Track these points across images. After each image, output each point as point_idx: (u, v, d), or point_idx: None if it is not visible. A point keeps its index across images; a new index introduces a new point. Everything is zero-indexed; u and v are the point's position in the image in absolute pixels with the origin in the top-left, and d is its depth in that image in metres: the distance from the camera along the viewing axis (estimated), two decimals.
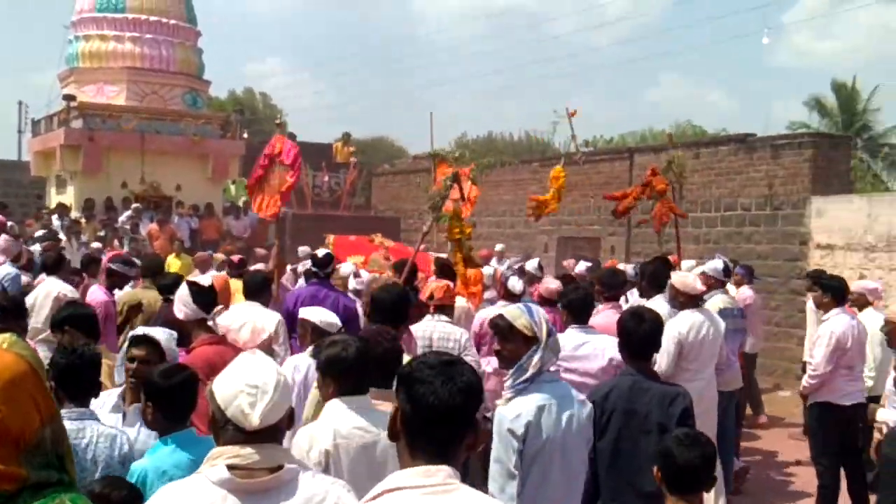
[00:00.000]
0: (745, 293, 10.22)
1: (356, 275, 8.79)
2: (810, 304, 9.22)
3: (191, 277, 7.10)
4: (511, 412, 3.45)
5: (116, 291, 7.84)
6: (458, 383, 2.07)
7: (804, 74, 58.04)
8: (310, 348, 5.14)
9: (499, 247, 15.78)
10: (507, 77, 75.59)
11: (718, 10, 62.39)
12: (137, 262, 8.57)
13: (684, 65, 75.83)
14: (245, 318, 6.11)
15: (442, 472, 2.05)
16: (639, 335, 4.13)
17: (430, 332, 5.84)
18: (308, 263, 8.71)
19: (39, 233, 11.94)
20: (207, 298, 4.96)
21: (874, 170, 27.76)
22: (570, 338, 5.15)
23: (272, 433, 2.34)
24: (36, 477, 1.75)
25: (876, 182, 26.02)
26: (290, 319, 6.45)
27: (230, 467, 2.27)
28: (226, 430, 2.32)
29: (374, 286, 7.02)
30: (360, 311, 7.41)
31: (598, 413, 4.05)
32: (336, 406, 3.52)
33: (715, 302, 7.35)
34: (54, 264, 8.17)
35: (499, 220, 20.44)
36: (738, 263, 11.31)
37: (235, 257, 10.54)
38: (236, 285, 8.14)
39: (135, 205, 16.75)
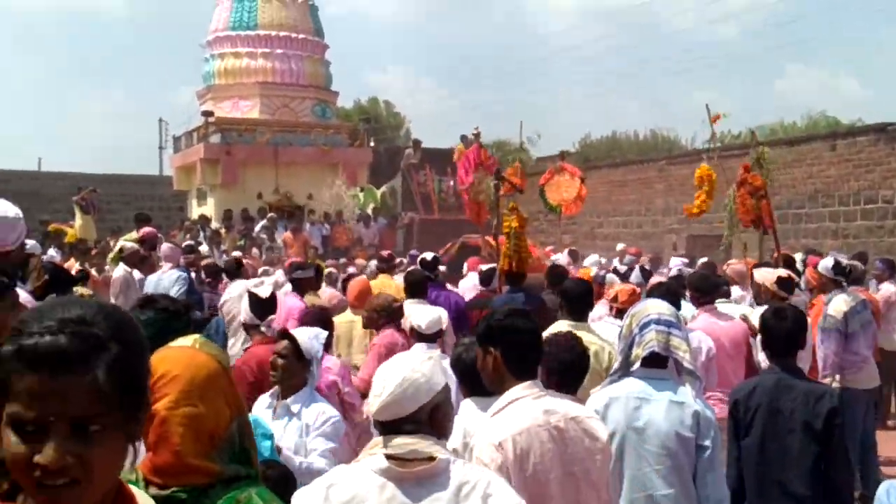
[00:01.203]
0: (888, 289, 9.79)
1: None
2: None
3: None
4: (589, 402, 3.50)
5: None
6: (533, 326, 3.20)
7: None
8: (417, 345, 5.33)
9: (620, 246, 15.60)
10: (629, 76, 74.53)
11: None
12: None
13: (813, 54, 72.93)
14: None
15: (536, 386, 3.09)
16: (781, 332, 4.09)
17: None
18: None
19: (185, 244, 12.57)
20: (262, 308, 5.50)
21: None
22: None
23: (414, 425, 2.44)
24: (228, 471, 1.89)
25: None
26: None
27: (388, 457, 2.39)
28: (378, 423, 2.48)
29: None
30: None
31: (741, 411, 4.02)
32: (466, 406, 3.68)
33: (836, 304, 7.00)
34: (236, 269, 9.23)
35: (625, 219, 20.21)
36: (877, 259, 10.87)
37: (385, 252, 11.01)
38: (387, 281, 8.86)
39: (270, 214, 17.40)
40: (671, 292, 5.46)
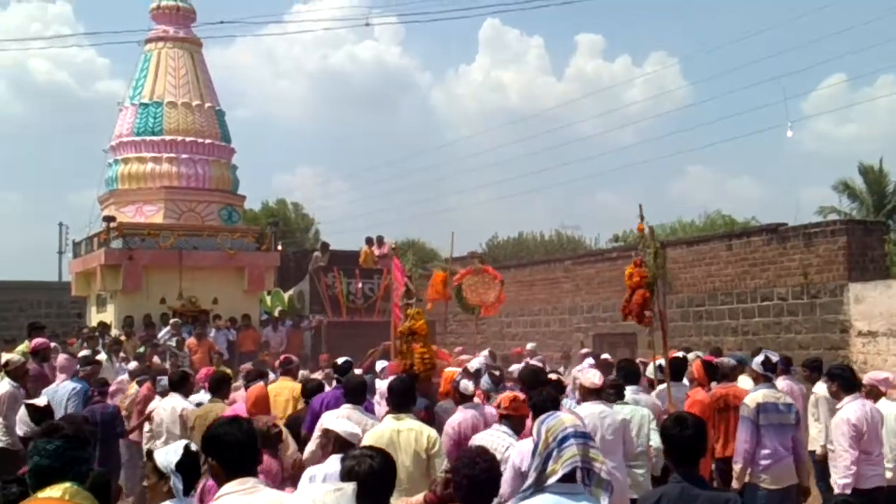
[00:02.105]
0: (780, 384, 10.09)
1: None
2: (822, 393, 9.11)
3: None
4: None
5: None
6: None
7: (829, 160, 58.14)
8: (333, 457, 5.25)
9: (530, 345, 15.72)
10: (533, 179, 76.57)
11: (739, 105, 63.09)
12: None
13: (709, 157, 76.41)
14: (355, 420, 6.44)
15: (248, 483, 3.38)
16: (683, 441, 4.10)
17: (489, 442, 5.67)
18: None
19: (84, 352, 12.12)
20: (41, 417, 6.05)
21: None
22: None
23: None
24: None
25: None
26: (316, 419, 7.09)
27: None
28: None
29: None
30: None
31: None
32: None
33: (754, 395, 7.32)
34: (179, 382, 8.95)
35: (534, 318, 20.41)
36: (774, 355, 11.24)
37: (283, 356, 10.99)
38: (286, 384, 9.07)
39: (173, 320, 16.98)
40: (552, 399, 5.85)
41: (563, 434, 3.46)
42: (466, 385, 7.20)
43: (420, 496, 4.10)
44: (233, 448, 3.52)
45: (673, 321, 16.23)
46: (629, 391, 8.03)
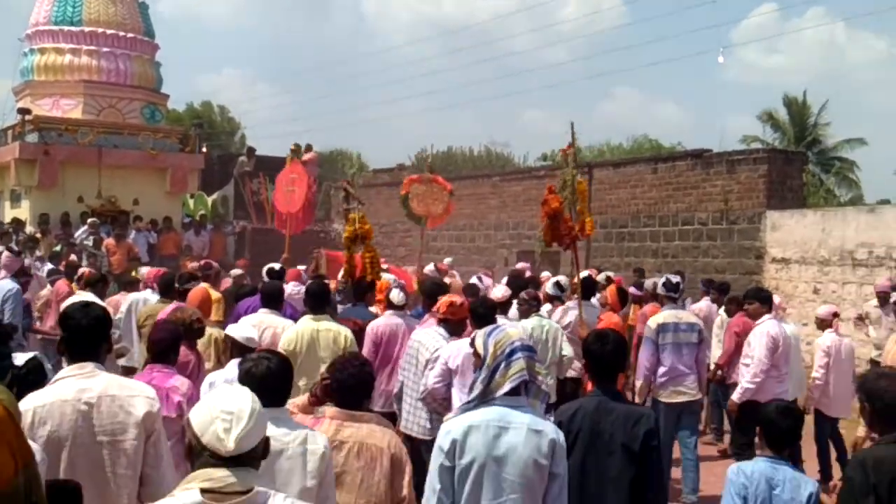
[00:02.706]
0: (705, 306, 10.50)
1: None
2: (725, 316, 9.67)
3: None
4: (444, 428, 3.54)
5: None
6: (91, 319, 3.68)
7: (755, 89, 59.10)
8: (232, 362, 5.41)
9: (447, 260, 15.77)
10: (463, 93, 75.80)
11: (671, 28, 63.24)
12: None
13: (638, 80, 76.84)
14: (267, 323, 6.85)
15: (87, 367, 3.58)
16: (603, 356, 4.19)
17: (423, 339, 6.32)
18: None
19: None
20: None
21: (826, 184, 28.34)
22: None
23: (247, 460, 2.41)
24: None
25: (829, 196, 26.57)
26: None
27: (203, 490, 2.31)
28: (201, 456, 2.38)
29: None
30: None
31: (563, 434, 4.08)
32: None
33: (656, 317, 7.78)
34: (96, 282, 8.96)
35: (459, 233, 20.50)
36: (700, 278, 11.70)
37: (203, 261, 10.87)
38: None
39: (91, 219, 16.52)
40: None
41: (510, 348, 3.50)
42: (396, 294, 7.43)
43: (304, 397, 4.19)
44: (75, 331, 3.63)
45: (596, 241, 16.50)
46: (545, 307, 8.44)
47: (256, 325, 6.34)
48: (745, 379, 7.61)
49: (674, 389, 7.53)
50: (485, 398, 3.51)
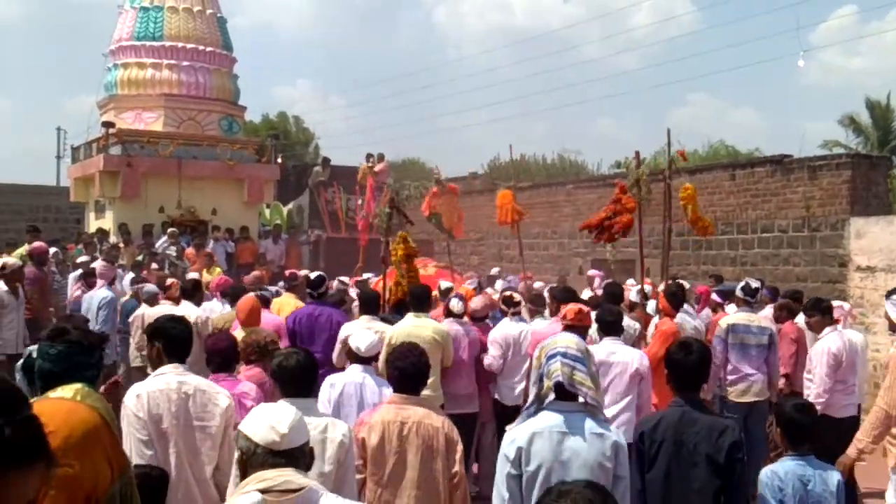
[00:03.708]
0: (767, 312, 10.24)
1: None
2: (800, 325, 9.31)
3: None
4: (508, 436, 3.62)
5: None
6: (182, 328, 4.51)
7: (835, 93, 57.58)
8: (352, 367, 5.61)
9: (494, 270, 15.70)
10: (535, 101, 75.59)
11: (747, 33, 61.86)
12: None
13: (713, 85, 75.49)
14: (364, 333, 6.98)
15: (180, 367, 4.36)
16: (687, 366, 4.11)
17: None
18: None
19: (82, 258, 12.12)
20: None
21: None
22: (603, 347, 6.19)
23: (294, 460, 2.64)
24: None
25: None
26: (292, 335, 7.64)
27: (262, 491, 2.48)
28: (256, 455, 2.60)
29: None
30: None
31: (647, 444, 4.03)
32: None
33: (727, 318, 8.04)
34: (192, 291, 9.09)
35: (532, 241, 20.39)
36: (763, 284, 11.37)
37: (289, 272, 11.00)
38: (289, 300, 9.17)
39: (171, 229, 16.93)
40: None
41: (552, 352, 3.60)
42: (455, 303, 7.96)
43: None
44: (174, 338, 4.35)
45: (672, 249, 16.21)
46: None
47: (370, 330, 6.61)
48: (811, 397, 7.39)
49: (741, 389, 7.59)
50: (541, 404, 3.60)
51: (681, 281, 10.48)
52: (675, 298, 9.13)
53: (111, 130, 17.97)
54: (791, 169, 14.88)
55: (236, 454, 2.75)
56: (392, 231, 9.79)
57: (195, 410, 4.23)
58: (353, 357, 5.57)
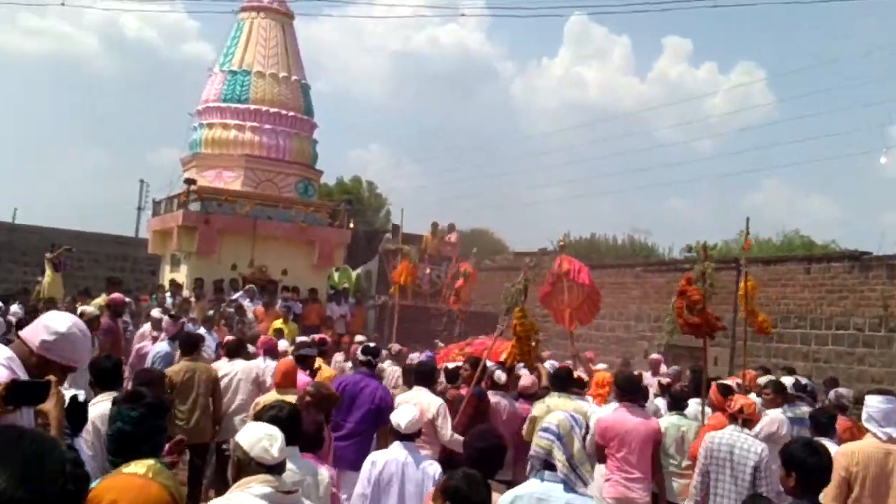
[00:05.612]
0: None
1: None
2: None
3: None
4: (499, 500, 3.92)
5: None
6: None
7: None
8: (396, 444, 5.55)
9: (545, 354, 15.43)
10: (606, 181, 75.48)
11: (824, 127, 60.98)
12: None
13: (790, 172, 74.53)
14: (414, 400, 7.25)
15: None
16: (818, 467, 3.98)
17: (731, 441, 6.11)
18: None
19: (155, 311, 12.38)
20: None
21: None
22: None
23: (280, 468, 3.28)
24: None
25: None
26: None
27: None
28: (248, 466, 3.18)
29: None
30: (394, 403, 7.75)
31: None
32: None
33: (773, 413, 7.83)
34: (236, 349, 9.32)
35: (598, 322, 20.16)
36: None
37: (318, 336, 11.00)
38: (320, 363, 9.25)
39: (249, 285, 17.22)
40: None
41: (542, 426, 4.00)
42: (500, 375, 8.27)
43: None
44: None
45: (738, 339, 15.87)
46: (693, 403, 8.47)
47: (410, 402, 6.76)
48: None
49: None
50: (540, 472, 3.94)
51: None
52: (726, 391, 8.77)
53: (192, 187, 18.48)
54: (870, 266, 14.54)
55: (233, 459, 3.33)
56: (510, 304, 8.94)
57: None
58: (395, 434, 5.48)
